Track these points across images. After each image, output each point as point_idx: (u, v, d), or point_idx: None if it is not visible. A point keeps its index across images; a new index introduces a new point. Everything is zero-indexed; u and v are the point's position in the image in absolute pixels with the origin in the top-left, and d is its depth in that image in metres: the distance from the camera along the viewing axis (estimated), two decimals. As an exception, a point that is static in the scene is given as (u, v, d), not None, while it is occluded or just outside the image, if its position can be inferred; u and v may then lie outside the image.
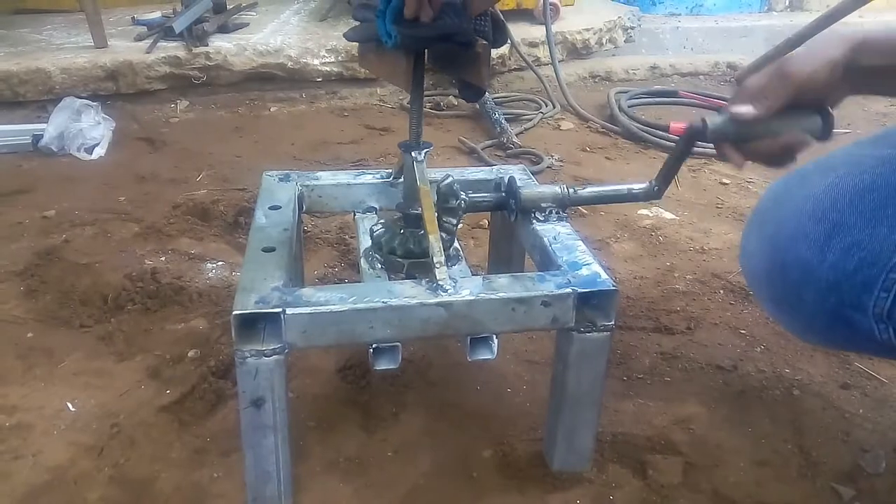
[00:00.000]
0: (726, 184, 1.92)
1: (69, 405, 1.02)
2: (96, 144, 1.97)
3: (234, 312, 0.74)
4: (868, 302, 0.73)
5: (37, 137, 1.94)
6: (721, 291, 1.37)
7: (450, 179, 0.91)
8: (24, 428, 0.97)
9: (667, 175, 0.91)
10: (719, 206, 1.78)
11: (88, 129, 1.97)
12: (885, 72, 0.78)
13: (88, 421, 0.99)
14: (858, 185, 0.75)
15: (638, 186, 0.95)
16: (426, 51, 0.87)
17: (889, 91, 0.85)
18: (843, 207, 0.75)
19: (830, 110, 0.81)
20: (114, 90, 2.28)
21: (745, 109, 0.79)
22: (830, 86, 0.78)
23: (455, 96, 2.46)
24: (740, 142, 0.82)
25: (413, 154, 0.91)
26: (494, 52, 2.60)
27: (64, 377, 1.07)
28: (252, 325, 0.75)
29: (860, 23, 3.02)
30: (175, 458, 0.93)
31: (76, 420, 0.99)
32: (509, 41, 2.58)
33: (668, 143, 2.12)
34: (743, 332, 1.24)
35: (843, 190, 0.76)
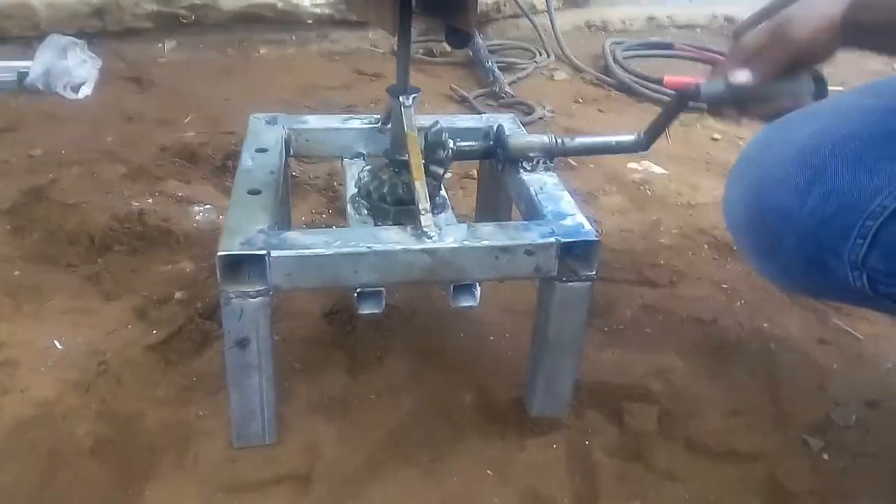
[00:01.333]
0: (717, 139, 1.92)
1: (56, 342, 1.03)
2: (83, 83, 1.93)
3: (219, 254, 0.75)
4: (844, 248, 0.74)
5: (22, 75, 1.90)
6: (706, 246, 1.38)
7: (438, 126, 0.90)
8: (11, 364, 0.98)
9: (655, 130, 0.92)
10: (709, 161, 1.78)
11: (75, 68, 1.94)
12: (882, 28, 0.76)
13: (75, 358, 1.00)
14: (842, 134, 0.75)
15: (625, 138, 0.95)
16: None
17: (884, 48, 0.84)
18: (825, 154, 0.75)
19: (823, 73, 0.81)
20: (100, 28, 2.23)
21: (744, 77, 0.79)
22: (830, 45, 0.77)
23: (448, 43, 2.42)
24: (734, 105, 0.82)
25: (401, 99, 0.90)
26: (489, -1, 2.56)
27: (51, 315, 1.08)
28: (237, 266, 0.76)
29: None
30: (161, 396, 0.95)
31: (63, 357, 1.00)
32: (505, -12, 2.54)
33: (662, 96, 2.10)
34: (725, 286, 1.26)
35: (826, 138, 0.76)
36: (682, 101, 0.87)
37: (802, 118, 0.82)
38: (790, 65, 0.79)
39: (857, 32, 0.77)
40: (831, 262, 0.75)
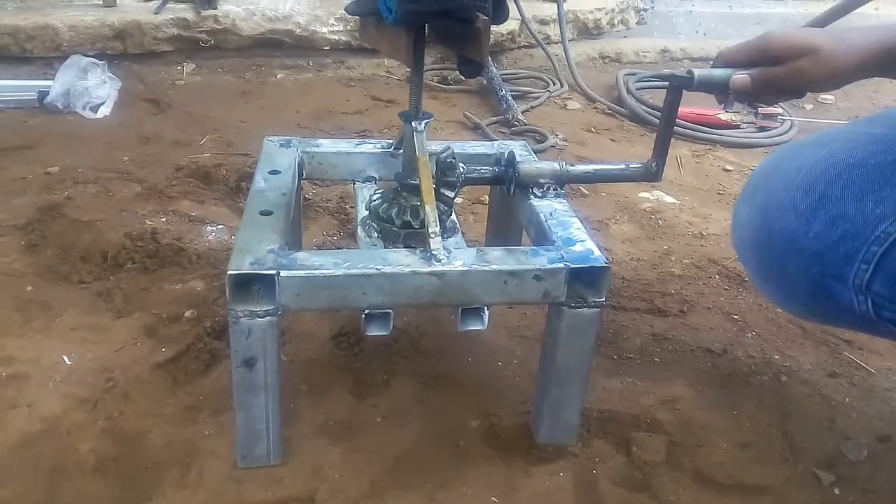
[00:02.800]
0: (729, 170, 1.92)
1: (65, 358, 1.03)
2: (102, 103, 1.97)
3: (229, 272, 0.75)
4: (849, 273, 0.74)
5: (42, 94, 1.94)
6: (717, 277, 1.38)
7: (449, 151, 0.91)
8: (20, 378, 0.98)
9: (661, 143, 0.93)
10: (721, 192, 1.78)
11: (94, 88, 1.97)
12: None
13: (83, 374, 1.00)
14: (848, 161, 0.77)
15: (636, 165, 0.95)
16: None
17: None
18: (832, 180, 0.76)
19: None
20: (121, 50, 2.28)
21: (743, 83, 0.84)
22: (844, 82, 0.83)
23: (463, 71, 2.45)
24: (723, 93, 0.87)
25: (413, 124, 0.91)
26: (503, 28, 2.59)
27: (61, 331, 1.09)
28: (246, 285, 0.76)
29: (875, 15, 3.00)
30: (168, 414, 0.95)
31: (71, 373, 1.00)
32: (520, 17, 2.57)
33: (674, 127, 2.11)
34: (735, 317, 1.25)
35: (834, 164, 0.77)
36: (678, 90, 0.88)
37: (811, 144, 0.83)
38: (797, 87, 0.84)
39: (882, 70, 0.81)
40: (835, 286, 0.76)
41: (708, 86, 0.86)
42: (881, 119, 0.84)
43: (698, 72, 0.84)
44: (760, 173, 0.86)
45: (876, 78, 0.85)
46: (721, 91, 0.87)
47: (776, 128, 2.20)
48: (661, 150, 0.93)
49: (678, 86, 0.87)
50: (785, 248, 0.78)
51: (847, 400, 1.07)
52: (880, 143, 0.77)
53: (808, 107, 2.54)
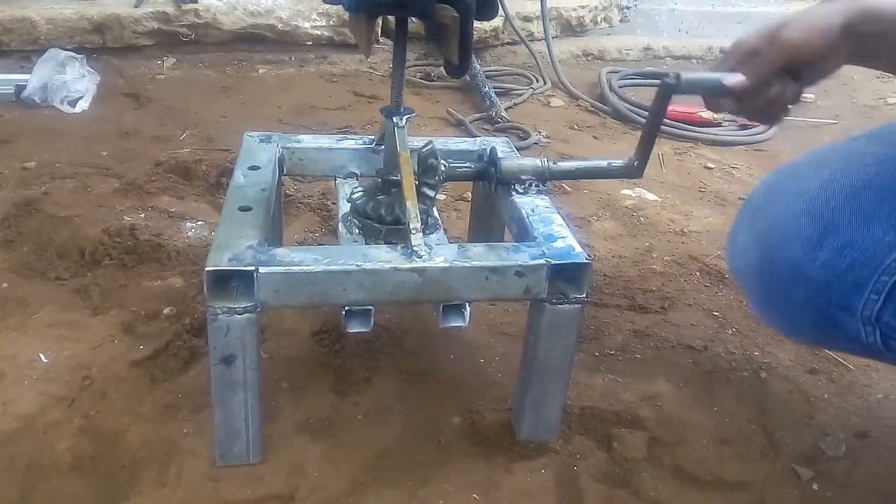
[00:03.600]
0: (711, 168, 1.93)
1: (41, 356, 1.01)
2: (80, 98, 1.94)
3: (207, 269, 0.74)
4: (857, 304, 0.72)
5: (20, 88, 1.91)
6: (697, 274, 1.39)
7: (431, 147, 0.91)
8: (-6, 376, 0.97)
9: (645, 144, 0.92)
10: (702, 189, 1.79)
11: (72, 82, 1.95)
12: (884, 41, 0.75)
13: (60, 372, 0.99)
14: (853, 184, 0.74)
15: (617, 162, 0.95)
16: (410, 18, 0.86)
17: (886, 63, 0.82)
18: (837, 206, 0.73)
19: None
20: (100, 43, 2.25)
21: (737, 80, 0.78)
22: (823, 52, 0.76)
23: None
24: (715, 96, 0.82)
25: (394, 120, 0.91)
26: (487, 25, 2.59)
27: (37, 328, 1.07)
28: (225, 282, 0.75)
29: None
30: (146, 412, 0.94)
31: (48, 371, 0.99)
32: (503, 14, 2.56)
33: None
34: (716, 314, 1.26)
35: (838, 188, 0.74)
36: (665, 95, 0.85)
37: (810, 165, 0.80)
38: (783, 64, 0.77)
39: (859, 44, 0.76)
40: (842, 316, 0.74)
41: (697, 89, 0.83)
42: (881, 136, 0.81)
43: (685, 75, 0.82)
44: (758, 196, 0.83)
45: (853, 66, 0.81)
46: (712, 94, 0.83)
47: (757, 125, 2.21)
48: (644, 151, 0.93)
49: (666, 93, 0.84)
50: (789, 278, 0.75)
51: (826, 396, 1.08)
52: (884, 163, 0.74)
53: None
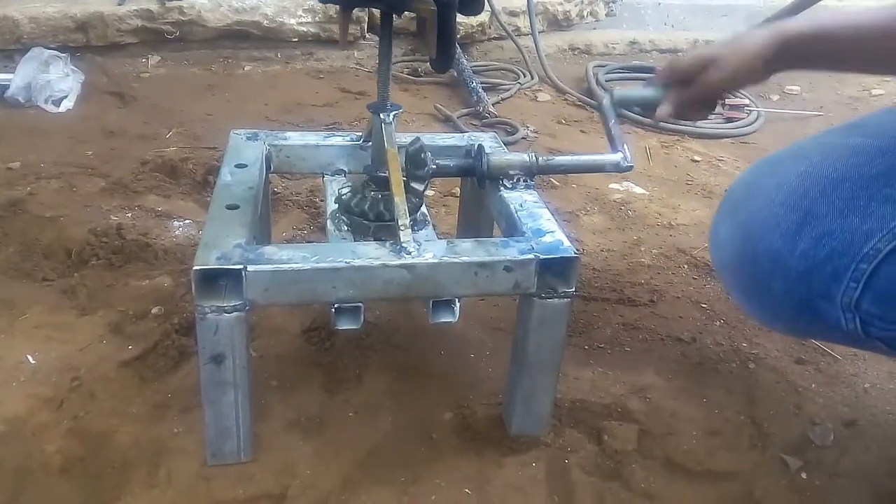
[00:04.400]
0: (697, 161, 1.94)
1: (29, 357, 1.01)
2: (64, 97, 1.92)
3: (195, 268, 0.74)
4: (837, 292, 0.73)
5: (3, 88, 1.89)
6: (685, 266, 1.39)
7: (418, 143, 0.91)
8: (-19, 379, 0.96)
9: (615, 143, 0.99)
10: (689, 182, 1.80)
11: (56, 81, 1.93)
12: (809, 59, 0.87)
13: (48, 373, 0.98)
14: (831, 175, 0.75)
15: (606, 157, 0.96)
16: (397, 13, 0.86)
17: (820, 69, 0.92)
18: (816, 197, 0.74)
19: None
20: (84, 42, 2.23)
21: (664, 113, 0.95)
22: (746, 84, 0.91)
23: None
24: (647, 109, 0.98)
25: (381, 116, 0.90)
26: (473, 20, 2.59)
27: (25, 330, 1.06)
28: (213, 281, 0.75)
29: (840, 6, 3.04)
30: (135, 412, 0.93)
31: (36, 372, 0.98)
32: (490, 9, 2.56)
33: (643, 118, 2.13)
34: (704, 306, 1.27)
35: (816, 179, 0.75)
36: (605, 106, 1.00)
37: (789, 157, 0.81)
38: (710, 98, 0.94)
39: (786, 66, 0.87)
40: (822, 305, 0.75)
41: (630, 105, 1.00)
42: (859, 128, 0.83)
43: (617, 93, 0.98)
44: (738, 188, 0.84)
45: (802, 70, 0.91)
46: (647, 109, 1.00)
47: (743, 118, 2.23)
48: (617, 144, 0.98)
49: (600, 107, 1.01)
50: (769, 268, 0.76)
51: (813, 386, 1.09)
52: (861, 154, 0.76)
53: (775, 97, 2.57)
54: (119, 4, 2.26)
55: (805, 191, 0.75)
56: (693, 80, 0.91)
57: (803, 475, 0.93)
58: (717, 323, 1.22)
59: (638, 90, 0.96)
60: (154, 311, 1.12)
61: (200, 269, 0.74)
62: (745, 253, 0.79)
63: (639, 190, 1.71)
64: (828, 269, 0.73)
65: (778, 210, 0.76)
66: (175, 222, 1.38)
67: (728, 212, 0.84)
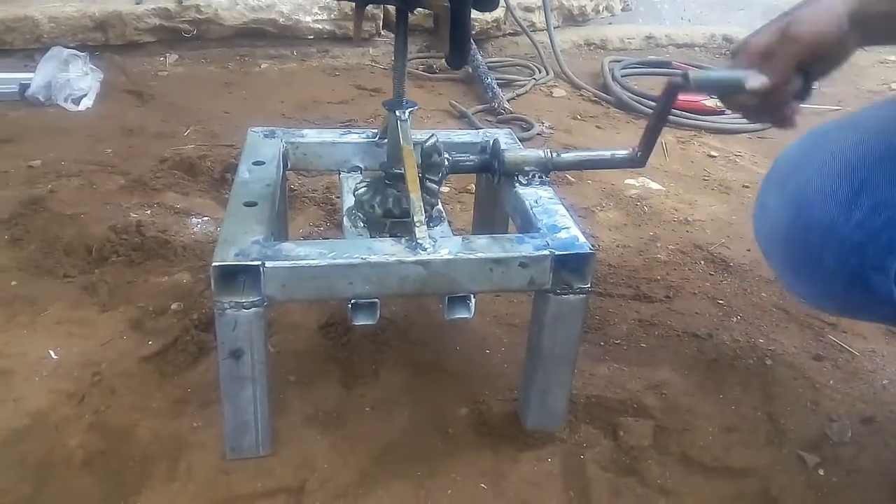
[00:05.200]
0: (714, 156, 1.93)
1: (51, 353, 1.02)
2: (84, 95, 1.95)
3: (214, 264, 0.75)
4: (892, 263, 0.71)
5: (24, 87, 1.92)
6: (702, 262, 1.39)
7: (434, 140, 0.91)
8: (5, 374, 0.98)
9: (649, 138, 0.92)
10: (706, 178, 1.79)
11: (76, 80, 1.95)
12: (891, 17, 0.75)
13: (70, 369, 1.00)
14: (884, 146, 0.73)
15: (621, 152, 0.96)
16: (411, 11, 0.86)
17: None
18: (872, 165, 0.72)
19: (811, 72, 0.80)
20: (102, 41, 2.26)
21: (761, 81, 0.76)
22: (836, 43, 0.76)
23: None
24: (723, 95, 0.83)
25: (397, 113, 0.91)
26: (488, 16, 2.59)
27: (47, 325, 1.08)
28: (232, 277, 0.76)
29: None
30: (155, 407, 0.95)
31: (58, 367, 1.00)
32: (505, 5, 2.56)
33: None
34: (721, 302, 1.26)
35: (871, 148, 0.73)
36: (673, 93, 0.85)
37: (838, 129, 0.79)
38: (801, 64, 0.77)
39: (868, 27, 0.75)
40: (874, 277, 0.73)
41: (710, 88, 0.81)
42: None
43: (694, 74, 0.80)
44: (786, 160, 0.82)
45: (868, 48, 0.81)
46: (729, 93, 0.83)
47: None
48: (648, 143, 0.93)
49: (673, 91, 0.84)
50: (822, 240, 0.74)
51: (831, 382, 1.08)
52: None
53: (793, 92, 2.54)
54: (137, 3, 2.28)
55: (860, 159, 0.73)
56: (774, 52, 0.78)
57: (820, 472, 0.92)
58: (734, 319, 1.22)
59: (719, 70, 0.82)
60: (173, 307, 1.13)
61: (219, 266, 0.75)
62: (796, 224, 0.77)
63: (655, 185, 1.71)
64: (884, 239, 0.71)
65: (832, 178, 0.73)
66: (193, 219, 1.39)
67: (776, 183, 0.81)
